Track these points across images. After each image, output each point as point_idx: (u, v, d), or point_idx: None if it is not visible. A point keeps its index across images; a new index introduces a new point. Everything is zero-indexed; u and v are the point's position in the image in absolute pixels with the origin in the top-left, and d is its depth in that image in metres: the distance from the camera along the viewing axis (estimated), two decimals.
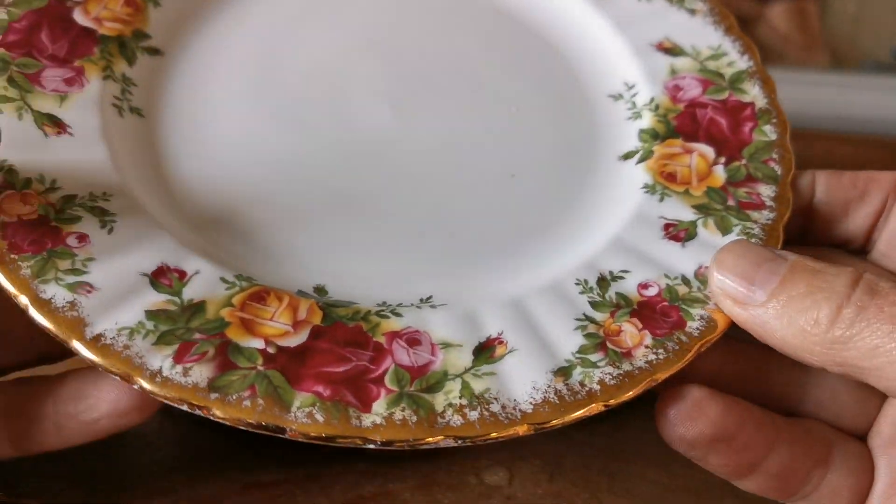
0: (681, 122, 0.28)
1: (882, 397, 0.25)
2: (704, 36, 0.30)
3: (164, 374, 0.21)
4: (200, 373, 0.21)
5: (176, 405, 0.21)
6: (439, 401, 0.22)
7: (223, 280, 0.24)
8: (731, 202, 0.26)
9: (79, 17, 0.27)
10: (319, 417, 0.21)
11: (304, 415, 0.21)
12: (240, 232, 0.26)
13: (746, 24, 0.84)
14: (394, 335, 0.23)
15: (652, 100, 0.29)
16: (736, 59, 0.30)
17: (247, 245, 0.26)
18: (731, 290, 0.22)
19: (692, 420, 0.22)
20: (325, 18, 0.31)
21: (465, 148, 0.29)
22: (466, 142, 0.29)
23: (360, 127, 0.29)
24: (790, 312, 0.20)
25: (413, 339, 0.24)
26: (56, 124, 0.25)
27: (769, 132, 0.28)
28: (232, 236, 0.26)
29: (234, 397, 0.21)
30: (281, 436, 0.21)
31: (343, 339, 0.23)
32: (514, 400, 0.22)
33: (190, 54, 0.29)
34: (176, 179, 0.27)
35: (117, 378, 0.21)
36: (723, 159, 0.27)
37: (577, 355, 0.23)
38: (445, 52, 0.31)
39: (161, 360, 0.22)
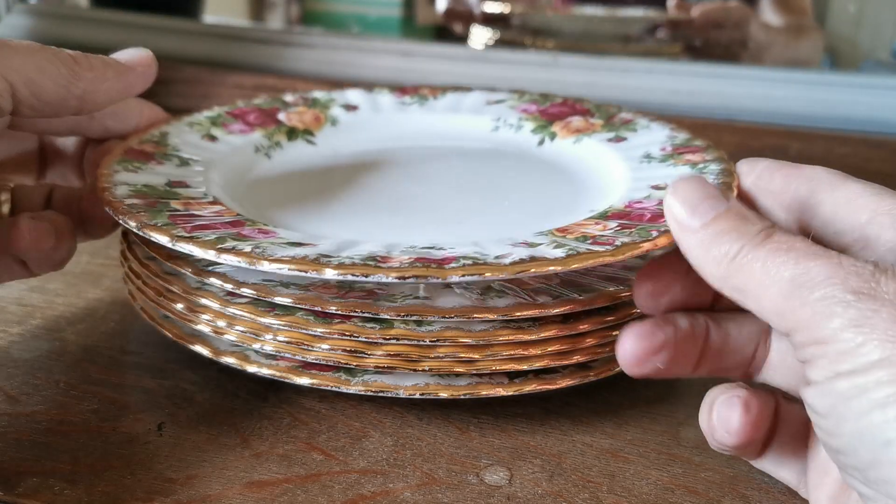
0: (546, 117, 0.41)
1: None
2: (501, 95, 0.40)
3: None
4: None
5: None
6: None
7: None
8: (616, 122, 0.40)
9: (282, 116, 0.44)
10: None
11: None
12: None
13: (740, 26, 0.84)
14: None
15: (518, 117, 0.43)
16: (532, 95, 0.38)
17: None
18: (676, 212, 0.26)
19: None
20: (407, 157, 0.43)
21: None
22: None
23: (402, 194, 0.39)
24: (711, 243, 0.26)
25: None
26: (211, 138, 0.41)
27: (589, 102, 0.41)
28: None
29: None
30: None
31: None
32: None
33: (327, 148, 0.43)
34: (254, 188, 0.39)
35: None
36: (588, 118, 0.40)
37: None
38: (491, 175, 0.41)
39: None
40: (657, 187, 0.33)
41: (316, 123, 0.44)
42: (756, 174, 0.30)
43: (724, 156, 0.35)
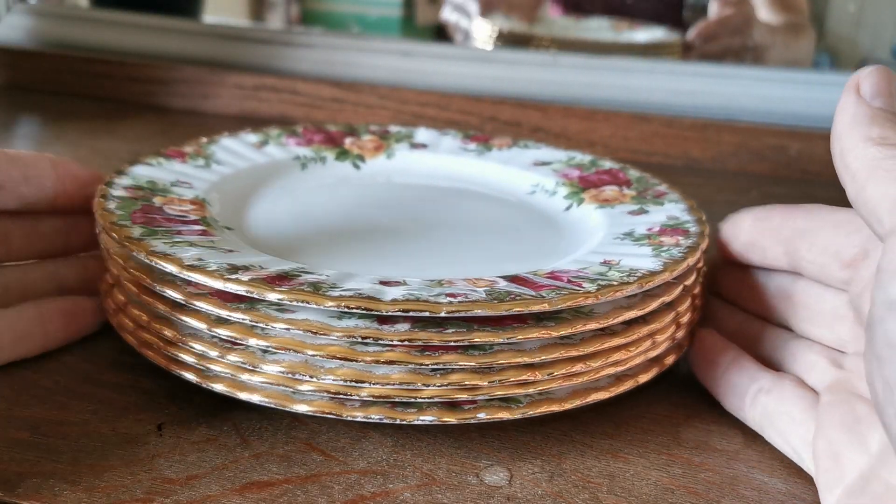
0: (583, 184, 0.43)
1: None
2: (555, 155, 0.47)
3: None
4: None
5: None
6: None
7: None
8: (648, 196, 0.41)
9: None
10: None
11: None
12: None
13: (741, 31, 0.84)
14: None
15: (556, 182, 0.44)
16: (581, 159, 0.46)
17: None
18: (860, 79, 0.29)
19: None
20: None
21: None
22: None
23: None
24: (864, 118, 0.28)
25: None
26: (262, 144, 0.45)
27: (634, 172, 0.44)
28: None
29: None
30: None
31: None
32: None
33: (367, 176, 0.46)
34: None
35: None
36: (623, 188, 0.42)
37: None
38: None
39: None
40: (607, 262, 0.33)
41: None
42: (753, 216, 0.34)
43: (697, 244, 0.35)
